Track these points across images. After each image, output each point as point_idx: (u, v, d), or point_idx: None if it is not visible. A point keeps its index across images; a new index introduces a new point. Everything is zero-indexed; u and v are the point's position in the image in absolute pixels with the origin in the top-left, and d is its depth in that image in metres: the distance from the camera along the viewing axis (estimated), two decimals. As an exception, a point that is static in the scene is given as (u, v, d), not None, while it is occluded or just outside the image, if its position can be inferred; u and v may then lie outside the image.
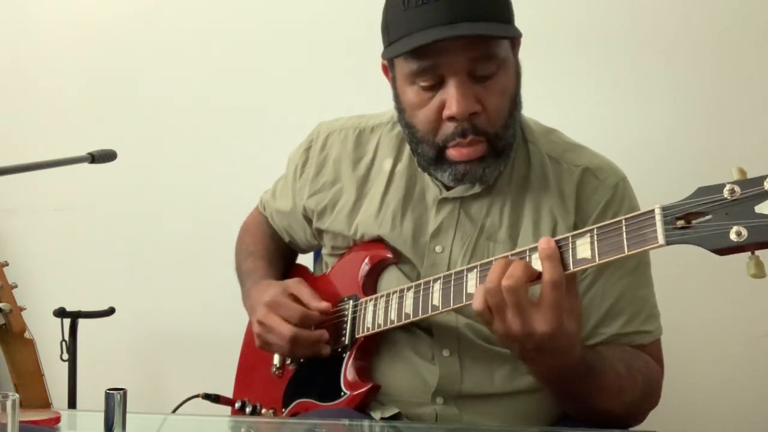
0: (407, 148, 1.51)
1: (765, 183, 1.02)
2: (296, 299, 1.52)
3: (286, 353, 1.57)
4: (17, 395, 1.00)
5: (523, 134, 1.49)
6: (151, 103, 2.52)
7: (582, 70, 2.25)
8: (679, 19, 2.21)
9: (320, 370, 1.53)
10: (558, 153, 1.49)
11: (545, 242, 1.19)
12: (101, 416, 1.10)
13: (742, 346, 2.19)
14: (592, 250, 1.16)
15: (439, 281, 1.36)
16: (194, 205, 2.49)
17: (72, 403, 2.17)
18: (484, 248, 1.45)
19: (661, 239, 1.09)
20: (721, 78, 2.19)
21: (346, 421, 1.43)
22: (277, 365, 1.62)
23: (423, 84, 1.37)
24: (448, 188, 1.49)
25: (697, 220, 1.07)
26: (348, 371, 1.48)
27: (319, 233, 1.64)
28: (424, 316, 1.38)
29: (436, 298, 1.35)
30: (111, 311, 2.21)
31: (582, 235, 1.18)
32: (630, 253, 1.12)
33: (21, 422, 1.02)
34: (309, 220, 1.66)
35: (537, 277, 1.19)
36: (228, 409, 1.74)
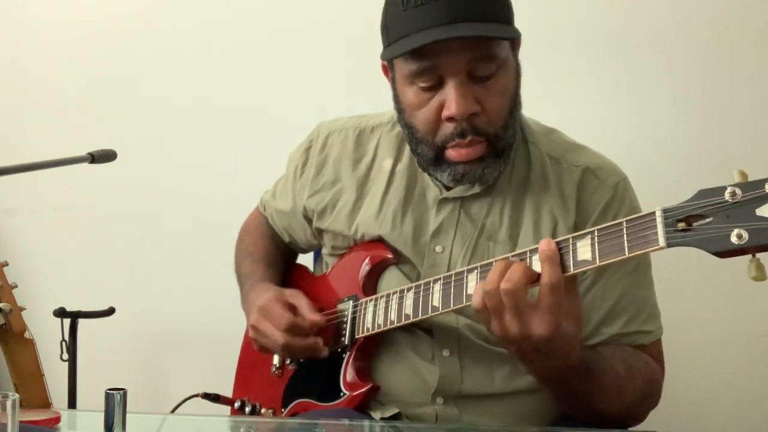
0: (407, 148, 1.51)
1: (766, 186, 1.02)
2: (290, 307, 1.52)
3: (282, 357, 1.58)
4: (17, 395, 0.99)
5: (523, 134, 1.49)
6: (151, 103, 2.52)
7: (582, 70, 2.25)
8: (679, 19, 2.21)
9: (320, 370, 1.53)
10: (558, 153, 1.49)
11: (546, 244, 1.19)
12: (101, 416, 1.10)
13: (742, 346, 2.19)
14: (593, 251, 1.16)
15: (439, 282, 1.36)
16: (194, 205, 2.49)
17: (72, 403, 2.18)
18: (485, 248, 1.45)
19: (662, 241, 1.09)
20: (721, 78, 2.19)
21: (346, 421, 1.43)
22: (277, 365, 1.62)
23: (422, 84, 1.37)
24: (448, 188, 1.48)
25: (698, 222, 1.07)
26: (348, 372, 1.48)
27: (319, 233, 1.64)
28: (424, 316, 1.38)
29: (436, 298, 1.35)
30: (111, 311, 2.21)
31: (583, 236, 1.18)
32: (631, 255, 1.12)
33: (21, 422, 1.02)
34: (309, 220, 1.66)
35: (537, 279, 1.19)
36: (227, 408, 1.74)
